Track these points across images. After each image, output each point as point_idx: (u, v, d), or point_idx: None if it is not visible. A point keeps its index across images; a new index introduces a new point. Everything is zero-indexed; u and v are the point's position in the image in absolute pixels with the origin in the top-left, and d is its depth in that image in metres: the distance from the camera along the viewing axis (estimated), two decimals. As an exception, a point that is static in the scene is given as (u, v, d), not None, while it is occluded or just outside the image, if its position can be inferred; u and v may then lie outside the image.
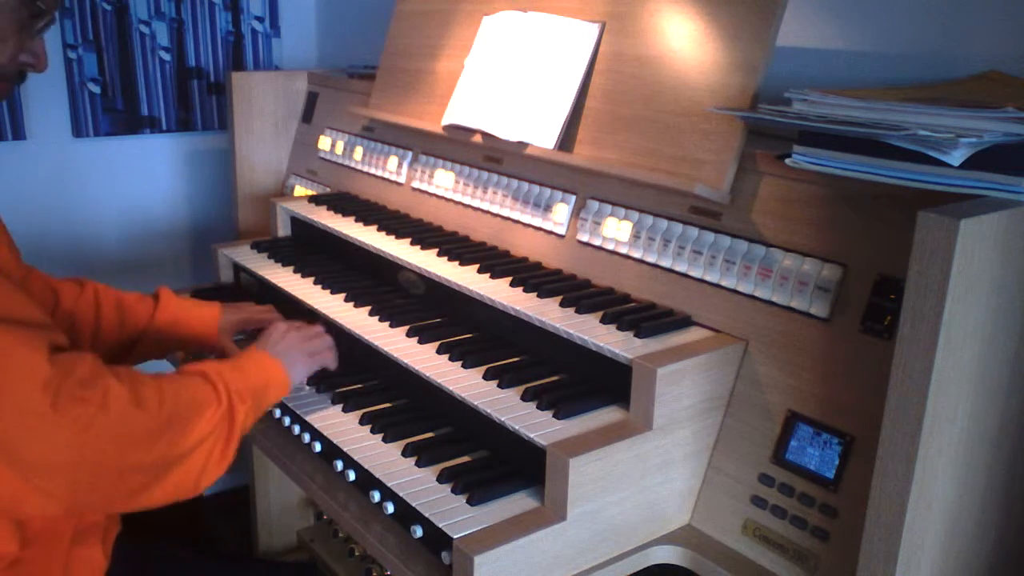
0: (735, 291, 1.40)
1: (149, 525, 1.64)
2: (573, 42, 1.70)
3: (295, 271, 1.99)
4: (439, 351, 1.56)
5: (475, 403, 1.39)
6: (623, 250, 1.59)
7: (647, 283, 1.54)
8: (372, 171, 2.26)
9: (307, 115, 2.61)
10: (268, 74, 2.62)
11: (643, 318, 1.44)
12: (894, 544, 1.05)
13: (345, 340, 1.71)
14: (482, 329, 1.65)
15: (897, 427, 1.02)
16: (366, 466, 1.40)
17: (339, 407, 1.59)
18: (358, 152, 2.31)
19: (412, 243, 1.86)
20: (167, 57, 2.75)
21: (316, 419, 1.55)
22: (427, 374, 1.49)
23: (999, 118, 1.07)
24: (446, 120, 1.91)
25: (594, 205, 1.66)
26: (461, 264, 1.74)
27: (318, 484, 1.48)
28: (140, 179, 2.81)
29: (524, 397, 1.40)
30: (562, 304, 1.52)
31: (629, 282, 1.57)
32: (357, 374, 1.69)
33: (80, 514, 1.40)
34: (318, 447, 1.52)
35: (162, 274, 2.86)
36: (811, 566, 1.25)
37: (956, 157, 1.08)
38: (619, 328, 1.42)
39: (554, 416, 1.33)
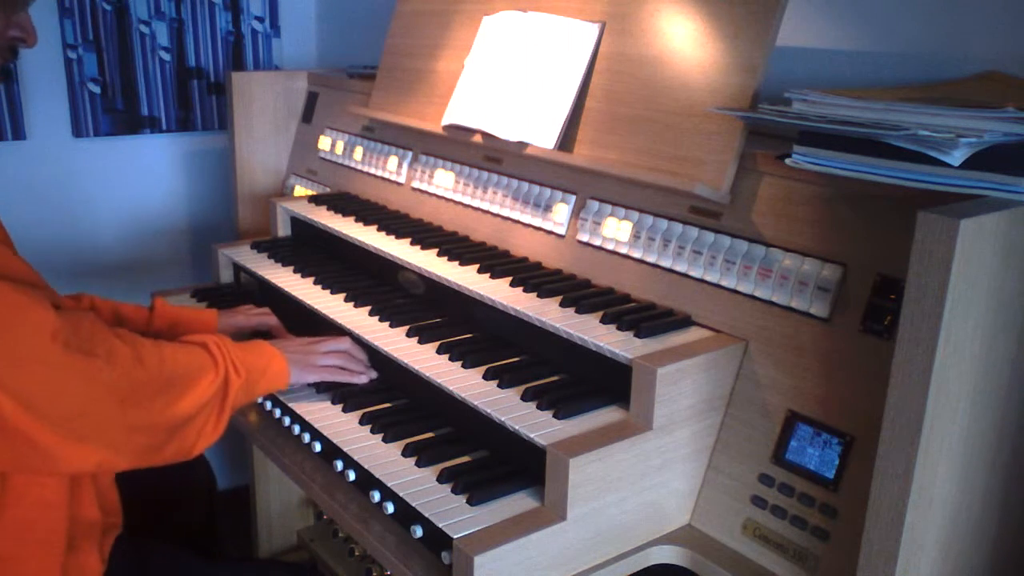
0: (735, 291, 1.40)
1: (149, 526, 1.64)
2: (573, 42, 1.70)
3: (295, 271, 1.99)
4: (439, 351, 1.56)
5: (475, 403, 1.39)
6: (623, 250, 1.59)
7: (647, 283, 1.54)
8: (372, 171, 2.26)
9: (307, 115, 2.61)
10: (268, 74, 2.62)
11: (643, 318, 1.44)
12: (894, 544, 1.05)
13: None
14: (482, 329, 1.65)
15: (897, 427, 1.02)
16: (366, 466, 1.40)
17: (339, 407, 1.59)
18: (358, 152, 2.31)
19: (412, 243, 1.86)
20: (167, 57, 2.75)
21: (316, 419, 1.55)
22: (427, 374, 1.49)
23: (999, 118, 1.07)
24: (446, 120, 1.91)
25: (594, 205, 1.66)
26: (461, 264, 1.74)
27: (318, 484, 1.48)
28: (140, 179, 2.81)
29: (524, 397, 1.40)
30: (562, 304, 1.52)
31: (629, 282, 1.57)
32: (357, 374, 1.69)
33: (75, 512, 1.40)
34: (318, 447, 1.52)
35: (162, 274, 2.86)
36: (811, 566, 1.25)
37: (956, 157, 1.08)
38: (619, 328, 1.42)
39: (554, 416, 1.33)
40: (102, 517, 1.46)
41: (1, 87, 2.47)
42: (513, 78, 1.79)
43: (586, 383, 1.44)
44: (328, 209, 2.15)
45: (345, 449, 1.45)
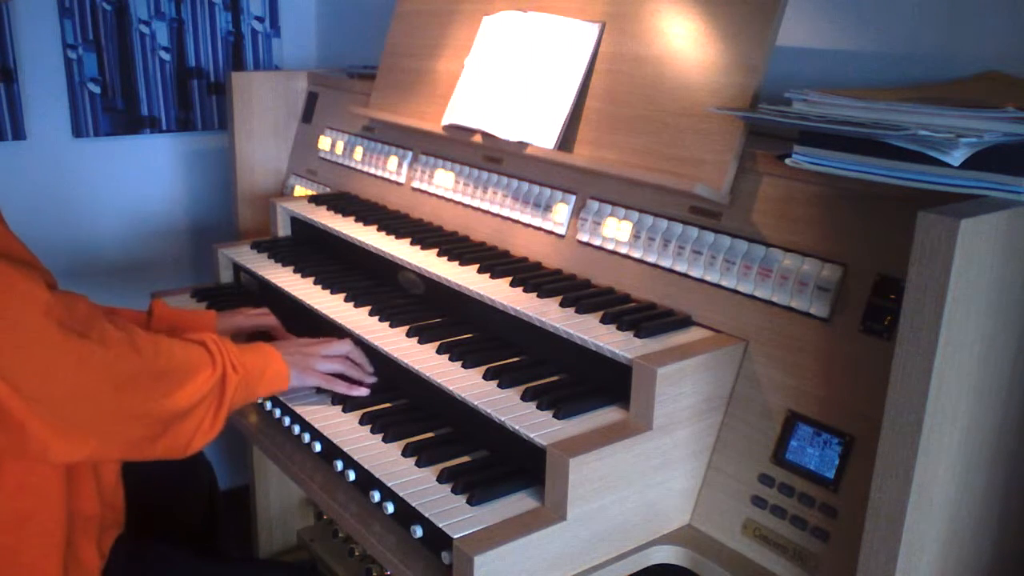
0: (735, 291, 1.40)
1: (150, 526, 1.64)
2: (573, 42, 1.70)
3: (295, 271, 1.99)
4: (439, 351, 1.56)
5: (475, 403, 1.39)
6: (623, 250, 1.59)
7: (647, 283, 1.54)
8: (372, 171, 2.26)
9: (307, 115, 2.61)
10: (268, 74, 2.62)
11: (643, 318, 1.44)
12: (894, 544, 1.05)
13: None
14: (482, 329, 1.65)
15: (897, 427, 1.02)
16: (366, 466, 1.40)
17: (339, 407, 1.59)
18: (358, 152, 2.31)
19: (412, 243, 1.86)
20: (167, 57, 2.75)
21: (316, 419, 1.55)
22: (427, 374, 1.49)
23: (999, 118, 1.07)
24: (446, 120, 1.91)
25: (594, 205, 1.66)
26: (461, 264, 1.74)
27: (318, 484, 1.48)
28: (140, 179, 2.81)
29: (524, 397, 1.40)
30: (562, 304, 1.52)
31: (629, 282, 1.57)
32: (357, 374, 1.69)
33: (74, 506, 1.40)
34: (318, 447, 1.52)
35: (162, 274, 2.86)
36: (811, 566, 1.25)
37: (956, 157, 1.08)
38: (619, 328, 1.42)
39: (554, 416, 1.33)
40: (101, 512, 1.46)
41: (1, 87, 2.47)
42: (513, 78, 1.79)
43: (586, 383, 1.44)
44: (328, 209, 2.15)
45: (345, 449, 1.45)
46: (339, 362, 1.61)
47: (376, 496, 1.37)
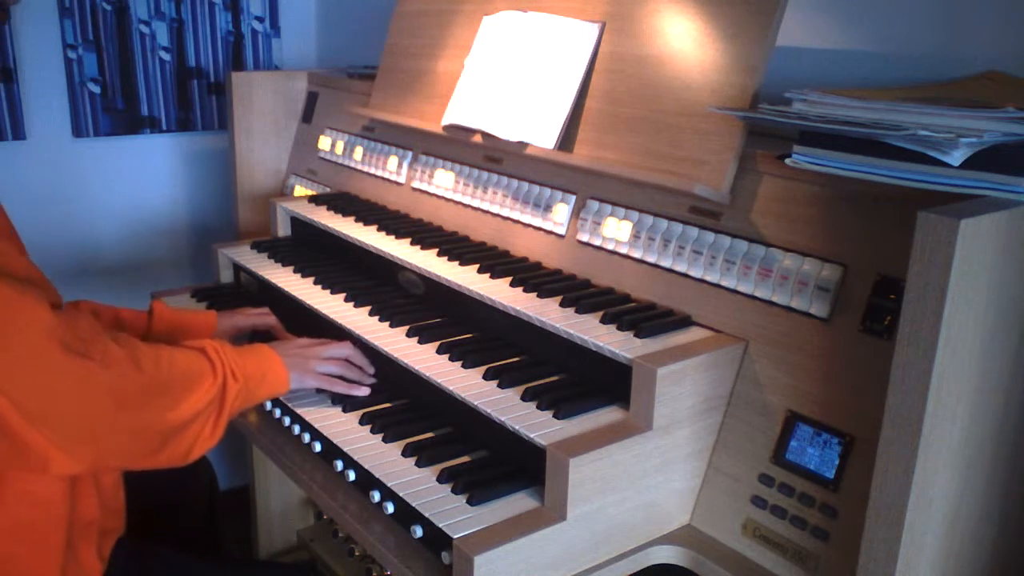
0: (735, 291, 1.40)
1: (150, 528, 1.64)
2: (573, 42, 1.70)
3: (295, 271, 1.99)
4: (439, 351, 1.56)
5: (475, 403, 1.39)
6: (623, 250, 1.59)
7: (647, 283, 1.54)
8: (372, 171, 2.26)
9: (307, 115, 2.61)
10: (268, 74, 2.62)
11: (643, 318, 1.44)
12: (894, 544, 1.05)
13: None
14: (482, 329, 1.65)
15: (897, 427, 1.02)
16: (366, 466, 1.40)
17: (339, 407, 1.59)
18: (358, 152, 2.31)
19: (412, 243, 1.86)
20: (167, 57, 2.75)
21: (316, 419, 1.55)
22: (427, 374, 1.49)
23: (999, 118, 1.07)
24: (446, 120, 1.91)
25: (594, 205, 1.66)
26: (461, 264, 1.74)
27: (318, 484, 1.48)
28: (140, 179, 2.81)
29: (524, 397, 1.40)
30: (562, 304, 1.52)
31: (629, 282, 1.57)
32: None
33: (74, 512, 1.40)
34: (318, 447, 1.52)
35: (162, 274, 2.86)
36: (811, 566, 1.25)
37: (956, 157, 1.08)
38: (619, 328, 1.42)
39: (554, 416, 1.33)
40: (101, 517, 1.46)
41: (1, 87, 2.47)
42: (513, 78, 1.79)
43: (586, 383, 1.44)
44: (328, 209, 2.15)
45: (345, 449, 1.45)
46: (338, 364, 1.60)
47: (376, 496, 1.37)
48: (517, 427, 1.31)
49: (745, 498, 1.33)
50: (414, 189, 2.11)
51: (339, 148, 2.39)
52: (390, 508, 1.34)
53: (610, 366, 1.37)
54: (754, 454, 1.34)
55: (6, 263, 1.28)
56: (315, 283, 1.91)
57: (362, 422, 1.53)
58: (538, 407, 1.36)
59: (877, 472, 1.05)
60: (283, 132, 2.63)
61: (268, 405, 1.64)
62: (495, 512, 1.26)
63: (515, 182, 1.83)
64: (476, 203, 1.92)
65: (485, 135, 1.81)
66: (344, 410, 1.58)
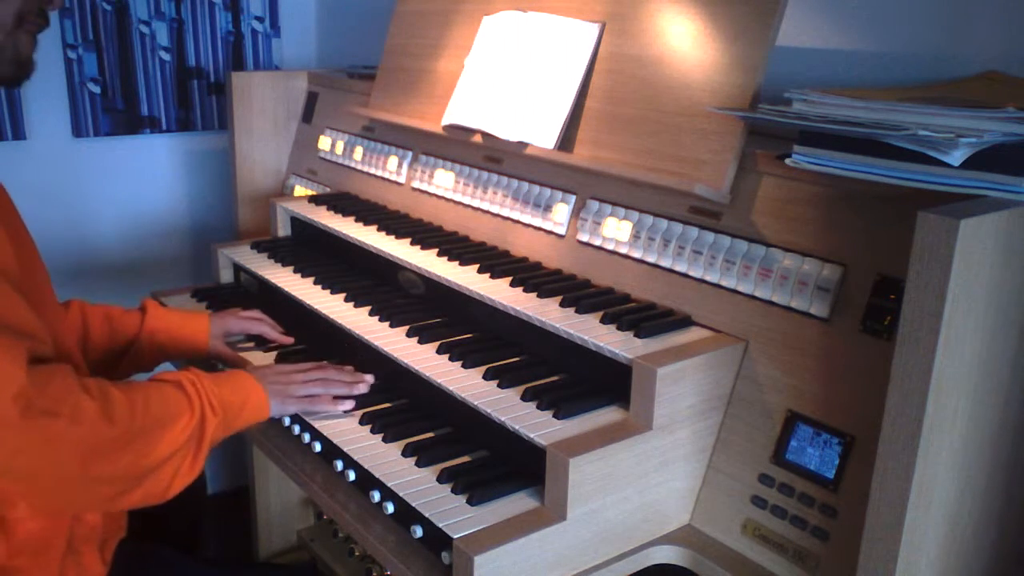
0: (735, 291, 1.40)
1: (151, 530, 1.64)
2: (573, 42, 1.70)
3: (295, 271, 2.00)
4: (439, 351, 1.56)
5: (475, 403, 1.39)
6: (623, 250, 1.59)
7: (647, 283, 1.54)
8: (372, 171, 2.26)
9: (307, 115, 2.61)
10: (268, 74, 2.62)
11: (643, 318, 1.44)
12: (894, 544, 1.05)
13: (345, 340, 1.71)
14: (482, 329, 1.65)
15: (897, 427, 1.02)
16: (366, 466, 1.40)
17: (339, 407, 1.59)
18: (358, 152, 2.31)
19: (412, 243, 1.86)
20: (167, 57, 2.75)
21: (316, 419, 1.55)
22: (427, 374, 1.49)
23: (999, 118, 1.07)
24: (446, 120, 1.91)
25: (594, 205, 1.66)
26: (461, 264, 1.74)
27: (318, 484, 1.48)
28: (140, 179, 2.81)
29: (524, 397, 1.40)
30: (562, 304, 1.52)
31: (629, 282, 1.57)
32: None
33: (76, 519, 1.40)
34: (318, 447, 1.52)
35: (162, 274, 2.86)
36: (811, 566, 1.25)
37: (956, 157, 1.08)
38: (619, 328, 1.42)
39: (554, 416, 1.33)
40: (104, 522, 1.46)
41: (1, 87, 2.47)
42: (513, 78, 1.79)
43: (586, 383, 1.44)
44: (328, 209, 2.15)
45: (345, 449, 1.45)
46: (318, 385, 1.55)
47: (376, 496, 1.37)
48: (517, 427, 1.31)
49: (745, 498, 1.33)
50: (414, 189, 2.11)
51: (339, 148, 2.39)
52: (390, 508, 1.34)
53: (610, 366, 1.37)
54: (754, 454, 1.34)
55: None
56: (315, 283, 1.91)
57: (362, 422, 1.53)
58: (538, 407, 1.36)
59: (877, 472, 1.05)
60: (283, 132, 2.63)
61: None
62: (495, 512, 1.26)
63: (515, 182, 1.83)
64: (476, 203, 1.92)
65: (485, 135, 1.81)
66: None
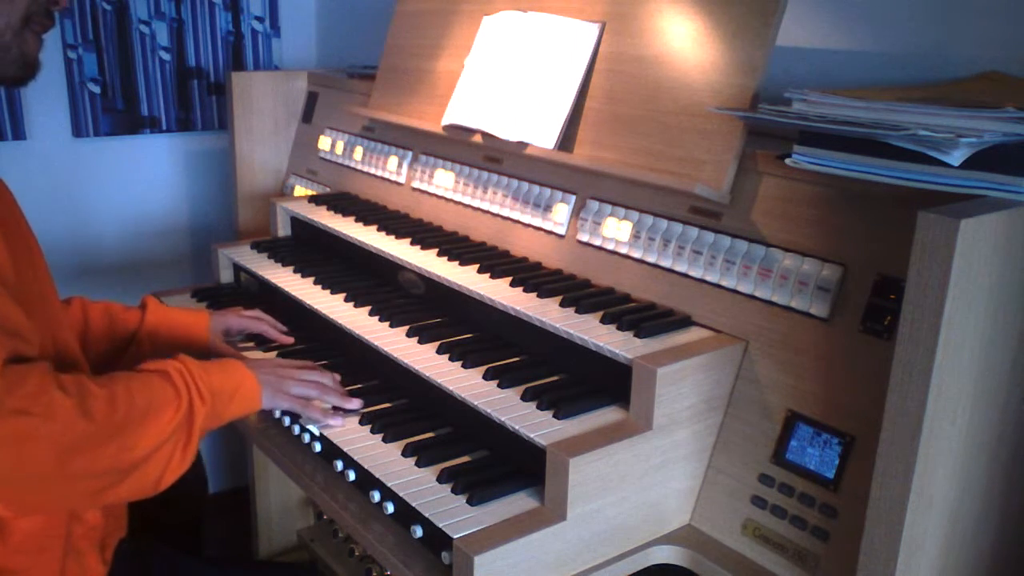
0: (735, 291, 1.40)
1: (151, 529, 1.64)
2: (573, 42, 1.70)
3: (295, 271, 2.00)
4: (439, 351, 1.56)
5: (475, 403, 1.39)
6: (623, 250, 1.59)
7: (647, 283, 1.54)
8: (372, 171, 2.26)
9: (307, 115, 2.61)
10: (268, 74, 2.62)
11: (643, 318, 1.44)
12: (894, 544, 1.05)
13: (345, 340, 1.71)
14: (482, 329, 1.65)
15: (897, 427, 1.02)
16: (366, 466, 1.40)
17: (339, 407, 1.59)
18: (358, 152, 2.31)
19: (412, 243, 1.86)
20: (167, 57, 2.75)
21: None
22: (427, 374, 1.49)
23: (999, 118, 1.07)
24: (446, 120, 1.91)
25: (594, 205, 1.66)
26: (461, 264, 1.74)
27: (318, 484, 1.48)
28: (140, 179, 2.81)
29: (524, 397, 1.40)
30: (562, 304, 1.52)
31: (629, 282, 1.57)
32: (357, 374, 1.69)
33: (75, 518, 1.40)
34: (318, 447, 1.52)
35: (162, 274, 2.86)
36: (811, 566, 1.25)
37: (956, 157, 1.08)
38: (619, 328, 1.42)
39: (554, 416, 1.33)
40: (104, 521, 1.46)
41: (1, 87, 2.47)
42: (513, 78, 1.79)
43: (586, 383, 1.44)
44: (328, 209, 2.15)
45: (345, 449, 1.45)
46: (316, 387, 1.54)
47: (376, 496, 1.37)
48: (517, 427, 1.31)
49: (745, 498, 1.33)
50: (414, 189, 2.11)
51: (339, 148, 2.39)
52: (390, 508, 1.34)
53: (610, 366, 1.37)
54: (754, 454, 1.34)
55: None
56: (315, 283, 1.91)
57: (362, 422, 1.53)
58: (538, 407, 1.36)
59: (877, 472, 1.05)
60: (283, 132, 2.63)
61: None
62: (495, 512, 1.26)
63: (515, 182, 1.83)
64: (476, 203, 1.92)
65: (485, 135, 1.81)
66: (344, 410, 1.58)
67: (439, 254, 1.79)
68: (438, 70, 2.05)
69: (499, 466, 1.38)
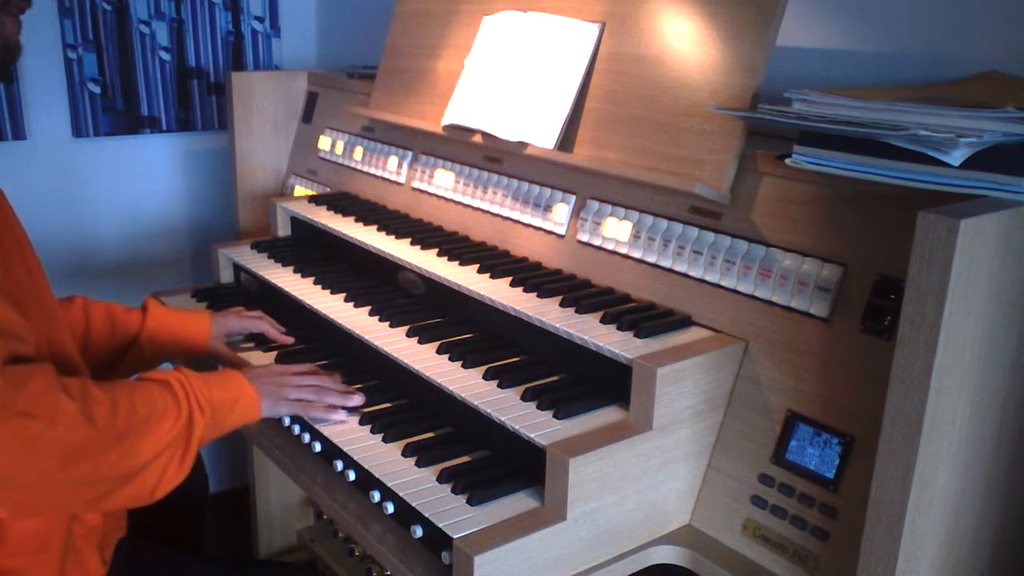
0: (735, 291, 1.40)
1: (150, 529, 1.64)
2: (573, 42, 1.70)
3: (295, 271, 1.99)
4: (439, 351, 1.56)
5: (475, 403, 1.39)
6: (623, 250, 1.59)
7: (647, 283, 1.54)
8: (372, 171, 2.26)
9: (307, 115, 2.61)
10: (268, 74, 2.62)
11: (643, 318, 1.44)
12: (894, 544, 1.05)
13: (345, 340, 1.71)
14: (482, 329, 1.65)
15: (897, 427, 1.02)
16: (366, 466, 1.40)
17: (339, 407, 1.59)
18: (358, 152, 2.31)
19: (412, 243, 1.86)
20: (167, 57, 2.75)
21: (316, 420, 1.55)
22: (427, 374, 1.49)
23: (999, 118, 1.07)
24: (446, 120, 1.91)
25: (594, 205, 1.66)
26: (461, 264, 1.74)
27: (318, 484, 1.48)
28: (140, 179, 2.81)
29: (524, 397, 1.40)
30: (562, 304, 1.52)
31: (629, 282, 1.57)
32: (357, 374, 1.69)
33: (75, 519, 1.40)
34: (318, 447, 1.52)
35: (162, 274, 2.86)
36: (811, 566, 1.25)
37: (956, 157, 1.08)
38: (619, 328, 1.42)
39: (554, 416, 1.33)
40: (103, 522, 1.46)
41: (1, 87, 2.47)
42: (513, 78, 1.79)
43: (586, 383, 1.44)
44: (328, 209, 2.15)
45: (345, 449, 1.45)
46: (314, 389, 1.54)
47: (376, 496, 1.37)
48: (517, 427, 1.31)
49: (745, 498, 1.33)
50: (414, 189, 2.11)
51: (339, 148, 2.39)
52: (390, 508, 1.34)
53: (610, 366, 1.37)
54: (754, 454, 1.34)
55: None
56: (315, 283, 1.91)
57: (362, 422, 1.53)
58: (538, 407, 1.36)
59: (877, 472, 1.05)
60: (283, 132, 2.63)
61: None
62: (495, 512, 1.26)
63: (515, 182, 1.83)
64: (476, 203, 1.92)
65: (485, 135, 1.81)
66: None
67: (439, 254, 1.79)
68: (438, 70, 2.05)
69: (499, 466, 1.38)
